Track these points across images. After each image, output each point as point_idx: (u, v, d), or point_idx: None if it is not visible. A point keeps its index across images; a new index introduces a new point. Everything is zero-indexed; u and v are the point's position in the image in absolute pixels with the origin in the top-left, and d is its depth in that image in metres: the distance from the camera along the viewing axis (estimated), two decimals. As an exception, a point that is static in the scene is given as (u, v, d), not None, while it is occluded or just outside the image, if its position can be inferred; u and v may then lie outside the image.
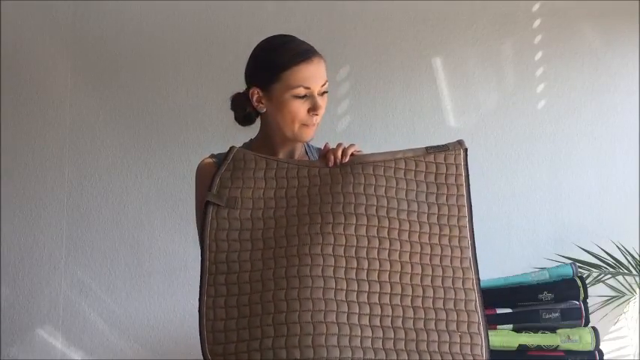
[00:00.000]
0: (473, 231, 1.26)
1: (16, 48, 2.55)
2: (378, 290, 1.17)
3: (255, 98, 1.34)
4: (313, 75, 1.28)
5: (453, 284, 1.21)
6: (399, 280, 1.18)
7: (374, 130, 2.55)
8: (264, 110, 1.34)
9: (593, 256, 2.33)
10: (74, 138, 2.55)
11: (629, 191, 2.55)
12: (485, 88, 2.58)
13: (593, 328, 1.67)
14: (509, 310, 1.69)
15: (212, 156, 1.41)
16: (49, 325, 2.51)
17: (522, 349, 1.66)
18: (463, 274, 1.22)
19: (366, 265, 1.18)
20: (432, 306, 1.18)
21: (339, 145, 1.29)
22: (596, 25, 2.58)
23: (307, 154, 1.44)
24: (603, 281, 2.33)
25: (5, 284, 2.52)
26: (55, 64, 2.55)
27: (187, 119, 2.55)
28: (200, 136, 2.54)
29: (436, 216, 1.25)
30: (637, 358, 2.32)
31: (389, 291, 1.17)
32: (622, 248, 2.35)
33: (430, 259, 1.21)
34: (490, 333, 1.66)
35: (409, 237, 1.22)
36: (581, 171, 2.56)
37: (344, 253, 1.18)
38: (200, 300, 1.18)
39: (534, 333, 1.67)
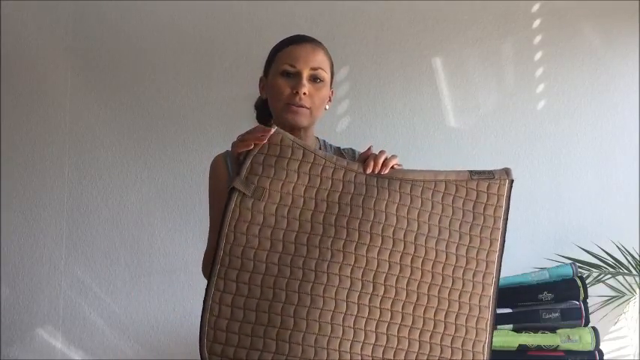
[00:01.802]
0: (500, 269, 1.21)
1: (16, 48, 2.55)
2: (388, 320, 1.14)
3: (260, 86, 1.40)
4: (301, 55, 1.31)
5: (466, 322, 1.17)
6: (411, 312, 1.15)
7: (374, 130, 2.55)
8: (265, 97, 1.38)
9: (593, 256, 2.33)
10: (74, 138, 2.54)
11: (629, 191, 2.55)
12: (485, 88, 2.58)
13: (593, 328, 1.68)
14: (509, 310, 1.70)
15: (225, 152, 1.41)
16: (49, 325, 2.51)
17: (522, 349, 1.66)
18: (479, 313, 1.18)
19: (381, 292, 1.14)
20: (438, 342, 1.15)
21: (382, 152, 1.25)
22: (596, 25, 2.58)
23: (321, 150, 1.43)
24: (603, 281, 2.33)
25: (5, 284, 2.52)
26: (55, 64, 2.55)
27: (187, 119, 2.55)
28: (200, 136, 2.54)
29: (466, 247, 1.19)
30: (637, 358, 2.32)
31: (399, 322, 1.14)
32: (622, 248, 2.35)
33: (449, 294, 1.17)
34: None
35: (432, 267, 1.17)
36: (581, 171, 2.56)
37: (361, 276, 1.14)
38: (207, 291, 1.14)
39: (534, 333, 1.67)
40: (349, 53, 2.55)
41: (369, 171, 1.21)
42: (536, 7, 2.58)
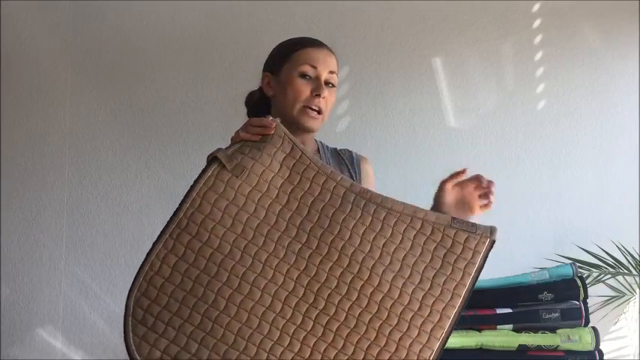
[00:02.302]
0: (453, 325, 1.14)
1: (16, 48, 2.55)
2: (318, 335, 1.09)
3: (265, 82, 1.39)
4: (320, 58, 1.34)
5: None
6: (344, 336, 1.09)
7: (374, 130, 2.55)
8: (272, 94, 1.37)
9: (593, 256, 2.33)
10: (74, 138, 2.55)
11: (629, 191, 2.55)
12: (485, 88, 2.58)
13: (593, 328, 1.67)
14: (509, 310, 1.69)
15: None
16: (49, 325, 2.51)
17: (522, 349, 1.66)
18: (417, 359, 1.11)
19: (320, 306, 1.10)
20: None
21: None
22: (596, 25, 2.58)
23: (320, 151, 1.44)
24: (603, 281, 2.33)
25: (5, 284, 2.52)
26: (55, 64, 2.55)
27: (187, 119, 2.55)
28: (200, 136, 2.54)
29: (423, 292, 1.13)
30: (637, 358, 2.32)
31: (328, 341, 1.09)
32: (622, 248, 2.35)
33: (389, 332, 1.10)
34: (490, 333, 1.67)
35: (381, 301, 1.11)
36: (581, 171, 2.56)
37: (306, 284, 1.10)
38: (154, 245, 1.12)
39: (534, 333, 1.67)
40: (349, 53, 2.55)
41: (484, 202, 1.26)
42: (536, 7, 2.58)
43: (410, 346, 1.11)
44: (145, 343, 1.09)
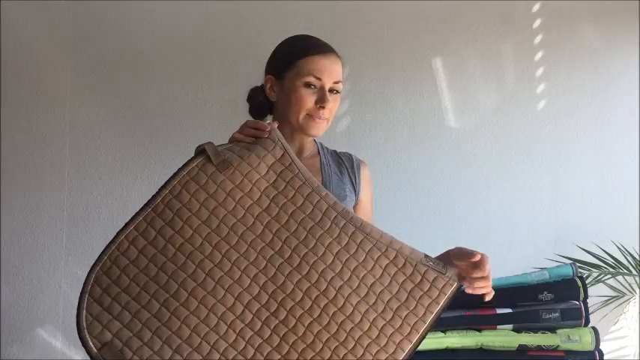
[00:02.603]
0: None
1: (16, 48, 2.55)
2: (273, 346, 1.09)
3: (268, 86, 1.37)
4: (326, 68, 1.31)
5: None
6: (299, 350, 1.10)
7: (374, 130, 2.55)
8: (275, 99, 1.36)
9: (593, 256, 2.34)
10: (74, 138, 2.55)
11: (629, 191, 2.55)
12: (485, 88, 2.58)
13: (593, 328, 1.67)
14: (509, 310, 1.69)
15: None
16: (49, 325, 2.51)
17: (522, 349, 1.66)
18: None
19: (281, 317, 1.10)
20: None
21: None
22: (596, 25, 2.58)
23: (320, 153, 1.44)
24: (603, 281, 2.33)
25: (5, 284, 2.52)
26: (55, 64, 2.55)
27: (187, 119, 2.55)
28: (200, 136, 2.53)
29: (384, 322, 1.14)
30: (637, 358, 2.32)
31: (283, 353, 1.09)
32: (622, 248, 2.35)
33: (344, 356, 1.11)
34: (490, 333, 1.67)
35: (341, 323, 1.12)
36: (581, 171, 2.57)
37: (271, 293, 1.11)
38: (125, 226, 1.11)
39: (534, 333, 1.67)
40: (349, 53, 2.54)
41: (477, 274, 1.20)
42: (536, 7, 2.58)
43: None
44: (97, 322, 1.10)
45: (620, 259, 2.33)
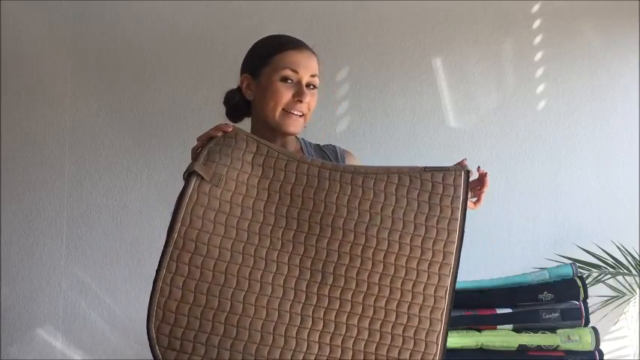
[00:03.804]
0: (459, 259, 1.19)
1: (16, 48, 2.55)
2: (337, 308, 1.14)
3: (245, 85, 1.37)
4: (302, 62, 1.30)
5: (419, 312, 1.16)
6: (361, 301, 1.14)
7: (374, 130, 2.55)
8: (252, 97, 1.36)
9: (593, 256, 2.33)
10: (74, 138, 2.55)
11: (629, 191, 2.55)
12: (485, 88, 2.58)
13: (593, 328, 1.67)
14: (509, 310, 1.69)
15: None
16: (49, 325, 2.51)
17: (522, 349, 1.66)
18: (434, 303, 1.16)
19: (330, 281, 1.14)
20: (389, 331, 1.15)
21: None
22: (596, 25, 2.58)
23: (303, 150, 1.44)
24: (603, 281, 2.33)
25: (5, 284, 2.52)
26: (55, 64, 2.55)
27: (187, 119, 2.55)
28: (200, 136, 2.53)
29: (421, 238, 1.18)
30: (637, 358, 2.32)
31: (348, 310, 1.14)
32: (622, 248, 2.35)
33: (402, 284, 1.16)
34: (490, 333, 1.67)
35: (384, 258, 1.16)
36: (581, 171, 2.56)
37: (310, 265, 1.15)
38: (158, 272, 1.14)
39: (534, 333, 1.67)
40: (349, 53, 2.55)
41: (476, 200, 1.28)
42: (536, 7, 2.58)
43: (424, 289, 1.16)
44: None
45: (620, 259, 2.33)
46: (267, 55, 1.32)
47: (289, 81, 1.30)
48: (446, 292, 1.17)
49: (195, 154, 1.24)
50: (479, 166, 1.33)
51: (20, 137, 2.54)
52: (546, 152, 2.57)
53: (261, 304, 1.13)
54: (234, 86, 1.47)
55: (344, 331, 1.14)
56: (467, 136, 2.57)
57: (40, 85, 2.55)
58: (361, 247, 1.16)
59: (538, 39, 2.58)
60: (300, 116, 1.32)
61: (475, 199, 1.30)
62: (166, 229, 1.16)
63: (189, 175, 1.18)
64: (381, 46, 2.57)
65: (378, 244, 1.16)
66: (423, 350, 1.15)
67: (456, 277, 1.19)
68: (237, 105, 1.41)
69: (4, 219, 2.53)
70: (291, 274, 1.15)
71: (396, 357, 1.14)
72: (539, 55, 2.58)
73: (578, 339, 1.65)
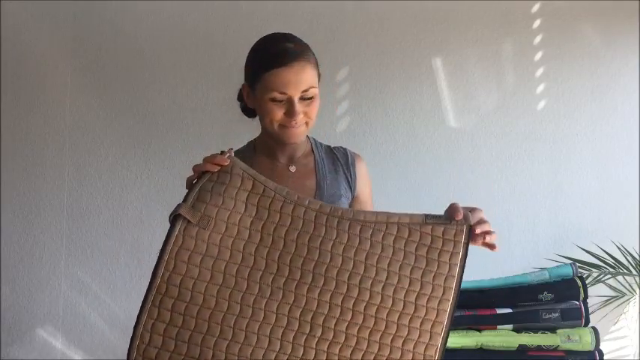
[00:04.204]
0: (452, 317, 1.15)
1: (16, 48, 2.55)
2: None
3: (245, 94, 1.35)
4: (290, 81, 1.23)
5: None
6: (348, 356, 1.11)
7: (374, 130, 2.55)
8: (252, 107, 1.35)
9: (593, 256, 2.34)
10: (74, 138, 2.55)
11: (629, 191, 2.55)
12: (485, 88, 2.58)
13: (593, 328, 1.67)
14: (509, 310, 1.69)
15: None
16: (49, 325, 2.51)
17: (522, 349, 1.66)
18: None
19: (318, 333, 1.10)
20: None
21: (482, 220, 1.21)
22: (596, 25, 2.58)
23: (314, 151, 1.42)
24: (603, 281, 2.33)
25: (5, 284, 2.52)
26: (55, 64, 2.55)
27: (187, 119, 2.55)
28: (200, 136, 2.54)
29: (415, 294, 1.13)
30: (637, 358, 2.32)
31: None
32: (622, 248, 2.35)
33: (392, 340, 1.12)
34: (490, 333, 1.67)
35: (376, 312, 1.11)
36: (581, 171, 2.57)
37: (299, 316, 1.10)
38: (138, 318, 1.11)
39: (534, 333, 1.67)
40: (349, 53, 2.55)
41: (459, 217, 1.17)
42: (536, 7, 2.58)
43: (414, 347, 1.13)
44: None
45: (620, 259, 2.33)
46: (257, 72, 1.27)
47: (279, 101, 1.25)
48: (435, 352, 1.14)
49: (190, 185, 1.18)
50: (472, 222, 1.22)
51: (20, 137, 2.54)
52: (546, 152, 2.57)
53: (245, 354, 1.09)
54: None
55: None
56: (467, 136, 2.57)
57: (40, 85, 2.55)
58: (353, 299, 1.11)
59: (538, 39, 2.58)
60: (300, 127, 1.29)
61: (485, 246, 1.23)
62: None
63: (175, 217, 1.13)
64: (381, 46, 2.57)
65: (371, 297, 1.12)
66: None
67: (447, 337, 1.15)
68: (245, 108, 1.42)
69: (4, 219, 2.53)
70: (278, 324, 1.10)
71: None
72: (539, 55, 2.58)
73: (578, 339, 1.65)
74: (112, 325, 2.50)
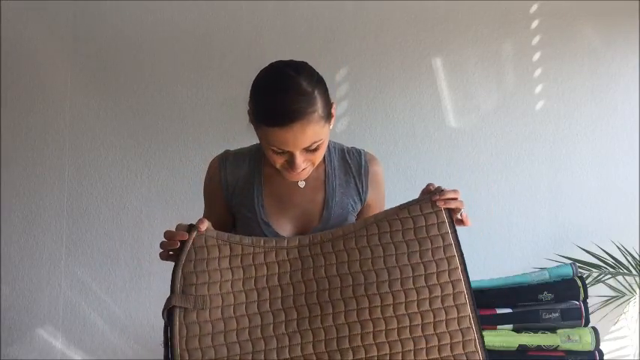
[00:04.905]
0: (469, 282, 1.14)
1: (16, 48, 2.55)
2: None
3: (249, 118, 1.24)
4: (290, 140, 1.15)
5: (452, 351, 1.11)
6: (400, 350, 1.09)
7: (374, 131, 2.55)
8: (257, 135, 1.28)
9: (593, 256, 2.33)
10: (74, 138, 2.55)
11: (629, 191, 2.55)
12: (485, 88, 2.58)
13: (593, 328, 1.67)
14: (509, 310, 1.69)
15: (226, 152, 1.39)
16: (49, 325, 2.51)
17: (522, 349, 1.65)
18: (463, 337, 1.12)
19: (350, 357, 1.08)
20: None
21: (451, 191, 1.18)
22: (596, 25, 2.58)
23: (326, 161, 1.38)
24: (603, 281, 2.32)
25: (5, 284, 2.52)
26: (55, 64, 2.55)
27: (187, 119, 2.55)
28: (200, 136, 2.54)
29: (423, 277, 1.12)
30: (637, 358, 2.32)
31: None
32: (622, 248, 2.35)
33: (422, 330, 1.10)
34: (490, 333, 1.67)
35: (394, 311, 1.10)
36: (581, 171, 2.57)
37: (325, 347, 1.09)
38: None
39: (534, 333, 1.67)
40: (349, 53, 2.55)
41: (434, 199, 1.17)
42: (535, 7, 2.58)
43: (447, 326, 1.11)
44: None
45: (620, 259, 2.33)
46: (257, 118, 1.17)
47: (280, 152, 1.19)
48: (470, 321, 1.12)
49: (166, 258, 1.16)
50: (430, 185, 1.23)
51: (20, 137, 2.54)
52: (546, 152, 2.57)
53: None
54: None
55: None
56: (467, 136, 2.57)
57: (40, 85, 2.55)
58: (367, 309, 1.10)
59: (538, 39, 2.58)
60: (304, 171, 1.23)
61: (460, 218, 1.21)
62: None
63: (170, 311, 1.11)
64: (381, 46, 2.57)
65: (383, 299, 1.11)
66: None
67: (473, 299, 1.13)
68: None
69: (4, 219, 2.53)
70: None
71: None
72: (539, 55, 2.58)
73: (578, 339, 1.65)
74: (112, 325, 2.50)
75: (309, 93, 1.15)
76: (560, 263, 1.99)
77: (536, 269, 1.82)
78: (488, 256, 2.48)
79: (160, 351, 1.12)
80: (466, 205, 1.23)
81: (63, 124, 2.55)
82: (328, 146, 1.40)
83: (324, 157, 1.36)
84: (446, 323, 1.11)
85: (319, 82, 1.20)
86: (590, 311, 1.70)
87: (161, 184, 2.54)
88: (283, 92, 1.14)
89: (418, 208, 1.19)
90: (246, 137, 1.48)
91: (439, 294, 1.12)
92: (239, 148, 1.42)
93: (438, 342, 1.10)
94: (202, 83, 2.55)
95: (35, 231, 2.53)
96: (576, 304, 1.69)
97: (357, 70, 2.55)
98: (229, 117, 2.51)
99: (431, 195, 1.19)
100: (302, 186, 1.34)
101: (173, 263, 1.15)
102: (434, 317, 1.11)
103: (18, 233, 2.53)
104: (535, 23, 2.58)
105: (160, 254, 1.17)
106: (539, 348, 1.65)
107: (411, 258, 1.14)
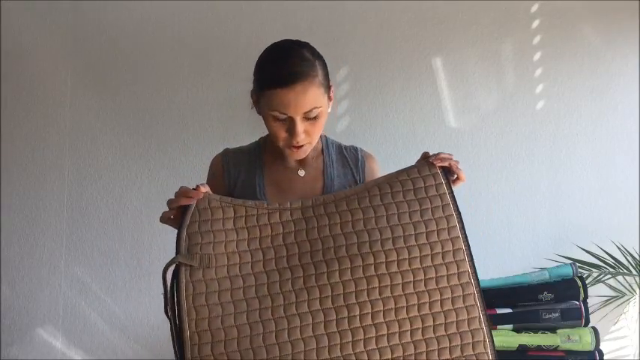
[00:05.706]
0: (467, 240, 1.18)
1: (16, 48, 2.55)
2: (374, 334, 1.11)
3: (253, 100, 1.32)
4: (291, 102, 1.19)
5: (453, 304, 1.15)
6: (394, 317, 1.12)
7: (374, 130, 2.55)
8: (259, 114, 1.32)
9: (593, 256, 2.33)
10: (74, 138, 2.55)
11: (629, 191, 2.55)
12: (485, 88, 2.58)
13: (593, 328, 1.67)
14: (509, 310, 1.69)
15: (226, 150, 1.42)
16: (49, 325, 2.51)
17: (522, 349, 1.66)
18: (463, 291, 1.16)
19: (357, 311, 1.11)
20: (433, 335, 1.13)
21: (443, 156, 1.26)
22: (596, 25, 2.58)
23: (324, 152, 1.41)
24: (603, 281, 2.33)
25: (5, 284, 2.52)
26: (55, 64, 2.55)
27: (187, 119, 2.55)
28: (200, 136, 2.54)
29: (424, 234, 1.17)
30: (637, 358, 2.32)
31: (386, 332, 1.11)
32: (622, 248, 2.35)
33: (425, 284, 1.14)
34: (490, 333, 1.67)
35: (398, 267, 1.14)
36: (581, 171, 2.57)
37: (332, 303, 1.11)
38: None
39: (534, 333, 1.67)
40: (349, 53, 2.55)
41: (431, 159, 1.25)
42: (535, 7, 2.58)
43: (448, 281, 1.15)
44: None
45: (620, 259, 2.33)
46: (260, 85, 1.23)
47: (282, 119, 1.23)
48: (469, 276, 1.16)
49: (166, 219, 1.19)
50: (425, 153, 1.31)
51: (20, 137, 2.54)
52: (546, 152, 2.57)
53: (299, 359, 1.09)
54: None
55: (391, 354, 1.11)
56: (467, 136, 2.57)
57: (40, 85, 2.55)
58: (372, 265, 1.14)
59: (538, 39, 2.58)
60: (304, 146, 1.27)
61: (455, 177, 1.28)
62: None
63: (176, 268, 1.12)
64: (381, 46, 2.57)
65: (387, 255, 1.15)
66: (472, 341, 1.15)
67: (471, 256, 1.18)
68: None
69: (4, 219, 2.53)
70: (317, 320, 1.11)
71: (450, 358, 1.13)
72: (538, 55, 2.58)
73: (578, 339, 1.65)
74: (112, 325, 2.50)
75: (311, 60, 1.23)
76: (560, 263, 1.99)
77: (536, 269, 1.83)
78: (488, 256, 2.48)
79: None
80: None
81: (63, 124, 2.55)
82: (326, 141, 1.44)
83: (322, 149, 1.41)
84: (447, 278, 1.16)
85: (320, 57, 1.27)
86: (590, 311, 1.71)
87: (161, 184, 2.54)
88: (286, 58, 1.22)
89: (416, 171, 1.25)
90: (246, 137, 1.48)
91: (439, 250, 1.17)
92: (238, 146, 1.44)
93: (440, 296, 1.15)
94: (202, 83, 2.55)
95: (35, 231, 2.53)
96: (576, 304, 1.69)
97: (357, 70, 2.55)
98: (229, 117, 2.51)
99: (427, 159, 1.26)
100: (302, 175, 1.37)
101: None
102: (435, 272, 1.16)
103: (18, 233, 2.53)
104: (535, 23, 2.58)
105: (163, 214, 1.21)
106: (539, 348, 1.65)
107: (412, 216, 1.19)
